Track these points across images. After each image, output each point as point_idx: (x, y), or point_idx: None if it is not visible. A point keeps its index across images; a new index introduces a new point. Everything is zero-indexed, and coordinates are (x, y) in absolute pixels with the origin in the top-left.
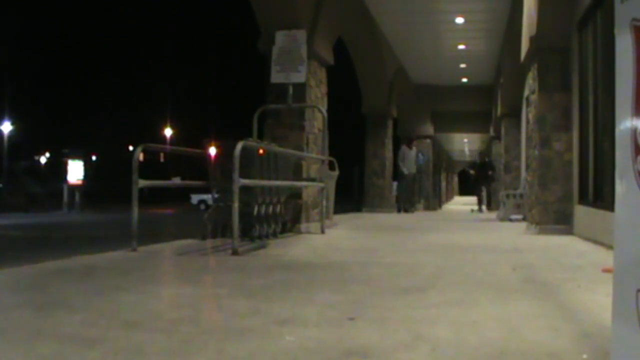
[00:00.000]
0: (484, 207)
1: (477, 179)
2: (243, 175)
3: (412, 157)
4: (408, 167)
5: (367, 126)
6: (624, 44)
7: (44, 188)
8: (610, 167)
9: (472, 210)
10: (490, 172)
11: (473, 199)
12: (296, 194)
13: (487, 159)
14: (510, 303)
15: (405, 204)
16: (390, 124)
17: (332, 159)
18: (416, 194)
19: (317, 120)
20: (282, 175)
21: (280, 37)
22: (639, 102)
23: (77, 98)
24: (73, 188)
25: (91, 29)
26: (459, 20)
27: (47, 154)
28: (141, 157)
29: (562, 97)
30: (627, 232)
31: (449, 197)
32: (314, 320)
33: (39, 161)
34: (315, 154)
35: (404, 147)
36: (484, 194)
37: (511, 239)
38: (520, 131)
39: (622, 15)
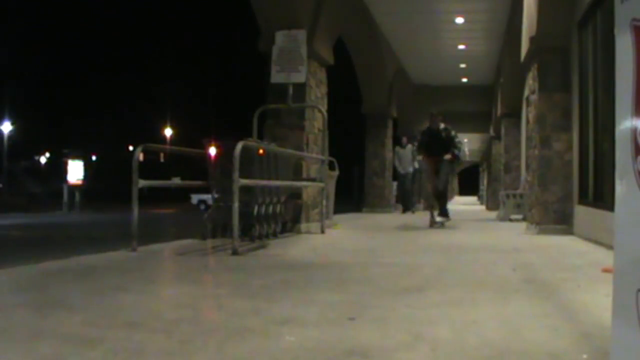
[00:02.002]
0: (437, 214)
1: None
2: (243, 175)
3: (407, 157)
4: (404, 167)
5: (367, 126)
6: (624, 44)
7: (44, 188)
8: (610, 167)
9: (437, 223)
10: (448, 156)
11: (473, 199)
12: (296, 194)
13: (442, 127)
14: (510, 303)
15: (405, 204)
16: (390, 124)
17: (332, 159)
18: (416, 194)
19: (317, 120)
20: (282, 175)
21: (280, 37)
22: (639, 102)
23: (77, 98)
24: (73, 188)
25: (91, 29)
26: (459, 20)
27: (47, 154)
28: (141, 157)
29: (562, 97)
30: (627, 232)
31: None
32: (314, 320)
33: (39, 161)
34: (315, 154)
35: (397, 148)
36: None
37: (511, 239)
38: (520, 131)
39: (622, 15)
